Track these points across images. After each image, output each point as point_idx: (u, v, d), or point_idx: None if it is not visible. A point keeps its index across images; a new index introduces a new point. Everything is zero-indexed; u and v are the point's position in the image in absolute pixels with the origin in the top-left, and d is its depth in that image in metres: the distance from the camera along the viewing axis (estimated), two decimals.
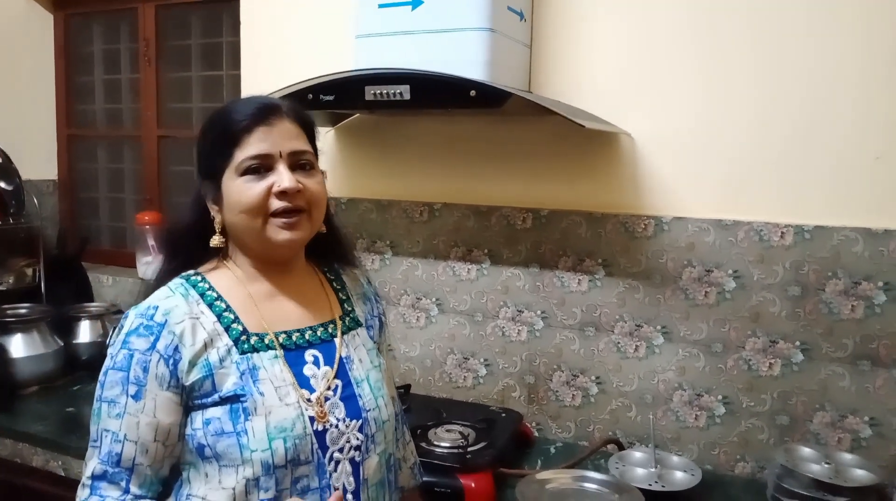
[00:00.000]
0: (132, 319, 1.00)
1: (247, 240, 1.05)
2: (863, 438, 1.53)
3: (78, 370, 2.17)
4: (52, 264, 2.44)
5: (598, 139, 1.72)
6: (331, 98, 1.57)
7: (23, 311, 2.14)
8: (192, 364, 0.98)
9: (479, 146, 1.87)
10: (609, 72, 1.70)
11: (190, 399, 0.99)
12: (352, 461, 1.03)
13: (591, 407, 1.79)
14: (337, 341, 1.11)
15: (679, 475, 1.55)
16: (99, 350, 2.19)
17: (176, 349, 0.98)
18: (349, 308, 1.17)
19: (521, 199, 1.83)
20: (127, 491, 0.98)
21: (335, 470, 1.01)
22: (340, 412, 1.04)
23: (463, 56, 1.54)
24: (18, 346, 2.03)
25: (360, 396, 1.07)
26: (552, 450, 1.77)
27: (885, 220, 1.48)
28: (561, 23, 1.73)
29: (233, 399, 0.98)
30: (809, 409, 1.57)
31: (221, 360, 0.99)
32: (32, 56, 2.74)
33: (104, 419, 0.98)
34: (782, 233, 1.56)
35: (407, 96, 1.50)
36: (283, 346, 1.04)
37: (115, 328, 2.15)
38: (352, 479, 1.03)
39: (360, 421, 1.05)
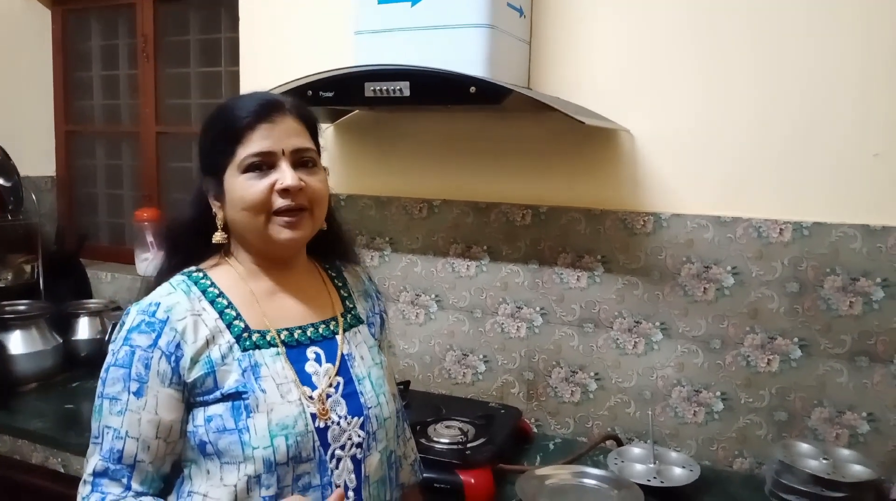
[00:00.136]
0: (134, 315, 1.00)
1: (249, 237, 1.05)
2: (860, 434, 1.54)
3: (77, 367, 2.17)
4: (50, 261, 2.44)
5: (598, 136, 1.72)
6: (330, 95, 1.57)
7: (21, 307, 2.14)
8: (194, 361, 0.98)
9: (479, 143, 1.87)
10: (608, 69, 1.70)
11: (192, 396, 0.99)
12: (353, 458, 1.04)
13: (590, 403, 1.79)
14: (339, 338, 1.11)
15: (678, 470, 1.55)
16: (98, 347, 2.19)
17: (178, 345, 0.98)
18: (351, 305, 1.18)
19: (520, 195, 1.83)
20: (128, 488, 0.98)
21: (337, 468, 1.02)
22: (342, 409, 1.04)
23: (462, 53, 1.54)
24: (17, 343, 2.02)
25: (361, 393, 1.07)
26: (551, 446, 1.78)
27: (884, 217, 1.49)
28: (560, 20, 1.73)
29: (234, 396, 0.98)
30: (807, 405, 1.58)
31: (223, 357, 1.00)
32: (30, 52, 2.74)
33: (105, 415, 0.98)
34: (781, 230, 1.56)
35: (407, 93, 1.50)
36: (284, 343, 1.05)
37: (115, 325, 2.15)
38: (353, 476, 1.03)
39: (362, 418, 1.06)
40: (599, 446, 1.71)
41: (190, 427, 0.99)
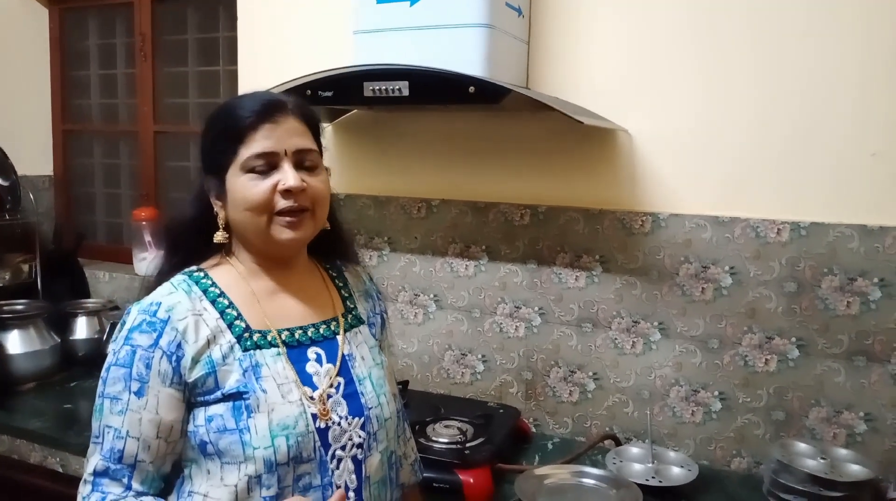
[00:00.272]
0: (135, 315, 1.00)
1: (250, 237, 1.05)
2: (858, 433, 1.54)
3: (75, 367, 2.16)
4: (48, 260, 2.43)
5: (596, 136, 1.72)
6: (329, 94, 1.57)
7: (19, 307, 2.13)
8: (195, 361, 0.98)
9: (477, 143, 1.87)
10: (607, 69, 1.70)
11: (192, 396, 0.99)
12: (354, 458, 1.04)
13: (589, 403, 1.80)
14: (339, 338, 1.11)
15: (676, 470, 1.56)
16: (96, 347, 2.19)
17: (179, 345, 0.98)
18: (351, 306, 1.18)
19: (518, 195, 1.83)
20: (129, 488, 0.98)
21: (337, 468, 1.02)
22: (343, 409, 1.04)
23: (461, 52, 1.54)
24: (15, 342, 2.02)
25: (362, 393, 1.08)
26: (549, 446, 1.78)
27: (881, 217, 1.49)
28: (559, 20, 1.73)
29: (235, 396, 0.98)
30: (805, 404, 1.58)
31: (224, 357, 1.00)
32: (28, 51, 2.73)
33: (106, 415, 0.98)
34: (779, 230, 1.57)
35: (406, 93, 1.50)
36: (285, 343, 1.05)
37: (113, 325, 2.15)
38: (354, 477, 1.03)
39: (363, 419, 1.06)
40: (598, 445, 1.71)
41: (190, 427, 0.99)
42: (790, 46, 1.53)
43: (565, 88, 1.73)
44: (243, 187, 1.01)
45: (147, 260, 2.46)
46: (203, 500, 0.98)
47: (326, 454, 1.01)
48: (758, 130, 1.57)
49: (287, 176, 1.00)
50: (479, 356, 1.92)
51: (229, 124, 1.03)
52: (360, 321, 1.17)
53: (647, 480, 1.49)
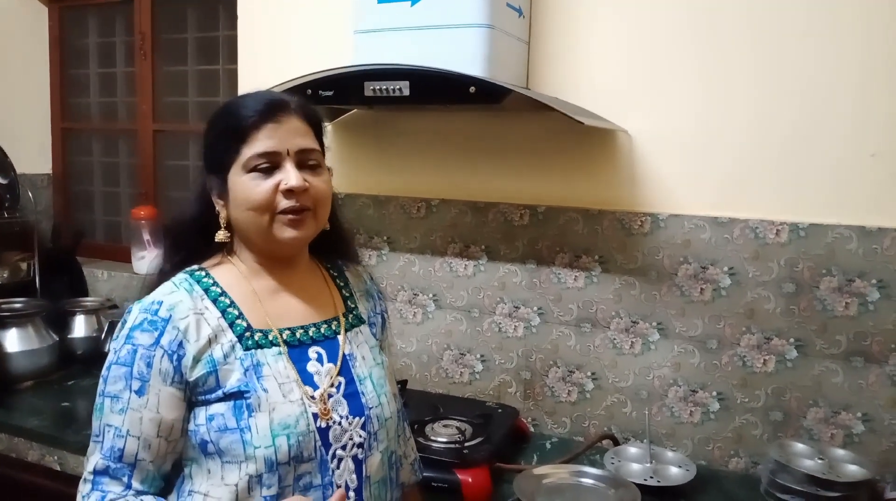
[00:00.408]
0: (136, 314, 1.00)
1: (252, 236, 1.05)
2: (855, 434, 1.55)
3: (73, 365, 2.16)
4: (46, 259, 2.43)
5: (596, 136, 1.73)
6: (330, 94, 1.57)
7: (18, 305, 2.13)
8: (197, 360, 0.98)
9: (477, 142, 1.87)
10: (607, 70, 1.70)
11: (193, 395, 0.99)
12: (354, 458, 1.04)
13: (587, 403, 1.80)
14: (340, 338, 1.11)
15: (674, 470, 1.56)
16: (94, 345, 2.19)
17: (180, 344, 0.98)
18: (352, 305, 1.18)
19: (518, 195, 1.83)
20: (129, 487, 0.98)
21: (338, 468, 1.02)
22: (343, 409, 1.04)
23: (461, 52, 1.54)
24: (13, 340, 2.02)
25: (363, 393, 1.08)
26: (548, 446, 1.78)
27: (880, 218, 1.50)
28: (559, 20, 1.73)
29: (236, 396, 0.98)
30: (803, 405, 1.59)
31: (225, 356, 1.00)
32: (27, 49, 2.73)
33: (107, 414, 0.98)
34: (777, 230, 1.57)
35: (406, 92, 1.50)
36: (286, 343, 1.05)
37: (112, 323, 2.15)
38: (354, 476, 1.04)
39: (363, 419, 1.06)
40: (596, 445, 1.71)
41: (191, 426, 0.99)
42: (790, 47, 1.53)
43: (565, 89, 1.73)
44: (245, 187, 1.01)
45: (146, 259, 2.46)
46: (203, 499, 0.98)
47: (327, 453, 1.01)
48: (757, 130, 1.58)
49: (289, 176, 1.00)
50: (478, 355, 1.92)
51: (232, 123, 1.03)
52: (360, 321, 1.17)
53: (645, 480, 1.50)
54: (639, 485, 1.42)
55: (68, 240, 2.63)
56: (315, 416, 1.01)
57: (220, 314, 1.02)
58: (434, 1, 1.57)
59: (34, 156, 2.75)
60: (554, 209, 1.79)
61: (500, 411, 1.78)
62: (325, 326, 1.11)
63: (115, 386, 0.98)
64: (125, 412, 0.97)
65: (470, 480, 1.45)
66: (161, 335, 0.98)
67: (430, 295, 1.95)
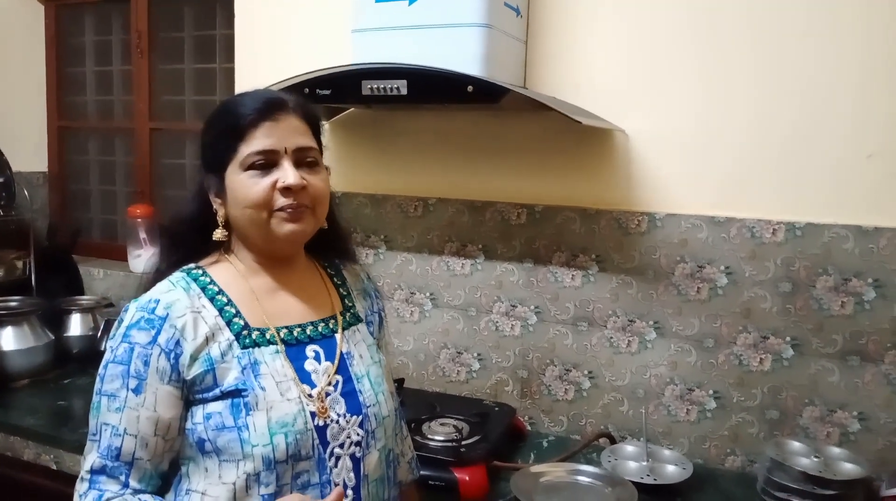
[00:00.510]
0: (133, 312, 1.00)
1: (250, 234, 1.05)
2: (851, 432, 1.55)
3: (69, 364, 2.16)
4: (42, 257, 2.43)
5: (593, 136, 1.73)
6: (328, 92, 1.57)
7: (13, 304, 2.12)
8: (194, 359, 0.98)
9: (474, 142, 1.87)
10: (604, 69, 1.70)
11: (191, 394, 0.99)
12: (352, 456, 1.04)
13: (584, 402, 1.80)
14: (338, 336, 1.11)
15: (670, 468, 1.56)
16: (90, 344, 2.18)
17: (177, 343, 0.98)
18: (350, 304, 1.18)
19: (515, 194, 1.84)
20: (126, 486, 0.98)
21: (336, 466, 1.02)
22: (341, 407, 1.04)
23: (459, 51, 1.55)
24: (9, 339, 2.01)
25: (360, 392, 1.08)
26: (545, 444, 1.78)
27: (876, 217, 1.50)
28: (557, 20, 1.74)
29: (234, 394, 0.98)
30: (799, 404, 1.59)
31: (223, 354, 1.00)
32: (23, 47, 2.72)
33: (104, 412, 0.98)
34: (774, 230, 1.58)
35: (404, 91, 1.50)
36: (284, 341, 1.05)
37: (108, 322, 2.15)
38: (352, 475, 1.04)
39: (361, 417, 1.06)
40: (593, 444, 1.71)
41: (188, 425, 0.99)
42: (789, 47, 1.53)
43: (563, 88, 1.73)
44: (243, 185, 1.01)
45: (142, 257, 2.46)
46: (201, 498, 0.98)
47: (325, 451, 1.01)
48: (756, 130, 1.58)
49: (287, 174, 1.00)
50: (475, 354, 1.92)
51: (230, 122, 1.03)
52: (358, 320, 1.17)
53: (641, 478, 1.50)
54: (635, 484, 1.43)
55: (65, 238, 2.62)
56: (313, 414, 1.01)
57: (217, 313, 1.02)
58: (432, 0, 1.57)
59: (30, 154, 2.74)
60: (551, 209, 1.79)
61: (497, 409, 1.78)
62: (322, 324, 1.10)
63: (112, 385, 0.98)
64: (122, 411, 0.97)
65: (467, 478, 1.46)
66: (158, 333, 0.98)
67: (427, 294, 1.96)
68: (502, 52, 1.63)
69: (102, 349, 1.04)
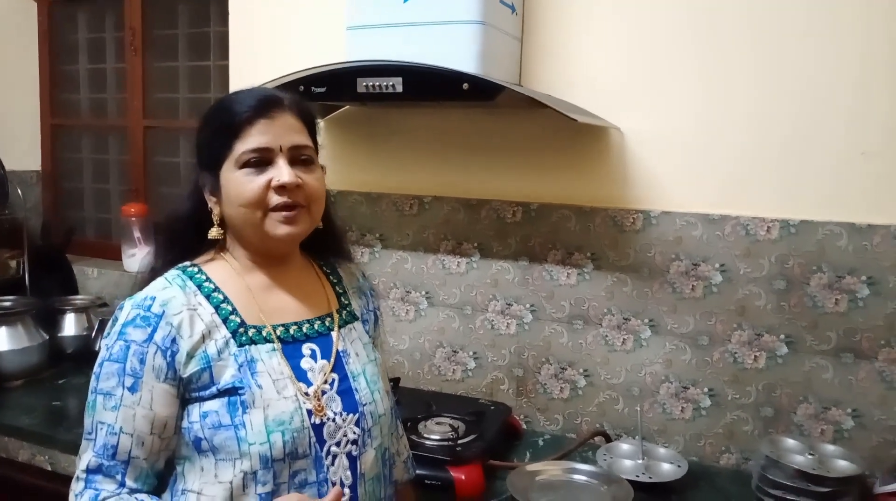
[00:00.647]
0: (128, 309, 1.00)
1: (245, 233, 1.05)
2: (845, 429, 1.56)
3: (63, 364, 2.15)
4: (36, 256, 2.41)
5: (588, 134, 1.73)
6: (322, 90, 1.57)
7: (7, 303, 2.11)
8: (190, 356, 0.98)
9: (469, 139, 1.87)
10: (600, 67, 1.70)
11: (187, 392, 0.99)
12: (349, 455, 1.04)
13: (579, 400, 1.80)
14: (334, 334, 1.11)
15: (666, 466, 1.57)
16: (85, 344, 2.17)
17: (174, 340, 0.97)
18: (346, 302, 1.18)
19: (510, 192, 1.84)
20: (122, 485, 0.97)
21: (332, 464, 1.02)
22: (337, 405, 1.04)
23: (454, 49, 1.54)
24: (3, 339, 1.99)
25: (356, 390, 1.08)
26: (540, 442, 1.79)
27: (870, 215, 1.51)
28: (552, 17, 1.73)
29: (231, 392, 0.98)
30: (794, 401, 1.60)
31: (219, 352, 0.99)
32: (15, 45, 2.71)
33: (99, 411, 0.98)
34: (768, 227, 1.58)
35: (399, 89, 1.50)
36: (280, 339, 1.04)
37: (102, 322, 2.13)
38: (349, 473, 1.03)
39: (357, 415, 1.06)
40: (588, 442, 1.72)
41: (185, 424, 0.99)
42: (787, 46, 1.53)
43: (558, 86, 1.73)
44: (238, 183, 1.01)
45: (136, 256, 2.45)
46: (197, 498, 0.98)
47: (322, 450, 1.01)
48: (752, 129, 1.58)
49: (282, 172, 1.00)
50: (471, 352, 1.92)
51: (225, 119, 1.02)
52: (354, 318, 1.17)
53: (637, 476, 1.51)
54: (631, 482, 1.43)
55: (58, 237, 2.61)
56: (309, 412, 1.01)
57: (213, 310, 1.02)
58: None
59: (23, 152, 2.73)
60: (546, 206, 1.79)
61: (492, 408, 1.78)
62: (318, 322, 1.10)
63: (107, 383, 0.97)
64: (118, 409, 0.96)
65: (463, 477, 1.46)
66: (154, 330, 0.97)
67: (423, 292, 1.95)
68: (498, 49, 1.63)
69: (97, 348, 1.03)
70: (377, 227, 1.99)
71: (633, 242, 1.71)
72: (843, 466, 1.45)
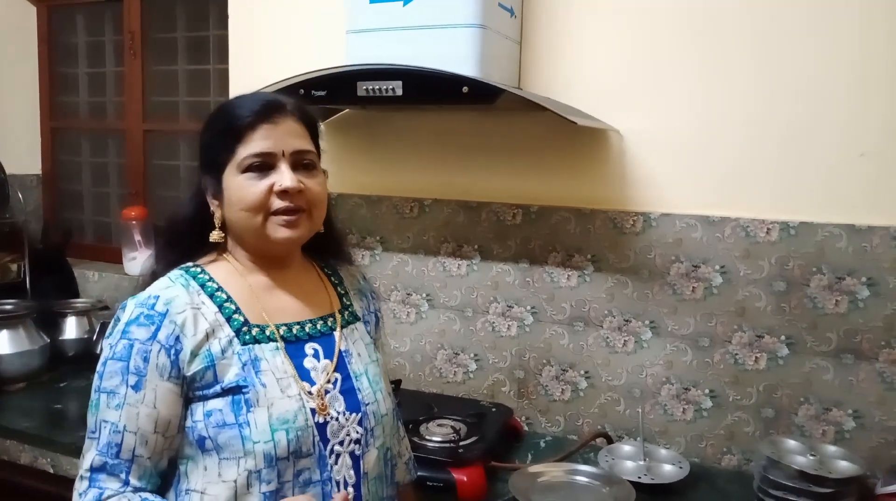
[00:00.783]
0: (132, 309, 1.00)
1: (246, 236, 1.06)
2: (846, 430, 1.56)
3: (64, 366, 2.15)
4: (36, 260, 2.41)
5: (588, 136, 1.73)
6: (323, 93, 1.57)
7: (8, 307, 2.11)
8: (194, 355, 0.98)
9: (469, 142, 1.87)
10: (599, 70, 1.71)
11: (191, 390, 0.99)
12: (352, 454, 1.04)
13: (580, 401, 1.81)
14: (336, 334, 1.11)
15: (667, 467, 1.57)
16: (85, 347, 2.18)
17: (177, 339, 0.98)
18: (347, 302, 1.18)
19: (510, 195, 1.84)
20: (126, 483, 0.97)
21: (336, 463, 1.02)
22: (340, 405, 1.05)
23: (454, 52, 1.55)
24: (4, 342, 2.00)
25: (359, 389, 1.08)
26: (542, 444, 1.79)
27: (869, 216, 1.51)
28: (551, 20, 1.74)
29: (234, 391, 0.98)
30: (794, 402, 1.60)
31: (223, 351, 1.00)
32: (15, 48, 2.71)
33: (103, 409, 0.98)
34: (768, 229, 1.58)
35: (399, 92, 1.50)
36: (283, 338, 1.05)
37: (104, 324, 2.13)
38: (352, 472, 1.04)
39: (360, 415, 1.06)
40: (590, 443, 1.72)
41: (188, 423, 0.99)
42: (785, 46, 1.54)
43: (557, 89, 1.74)
44: (240, 187, 1.01)
45: (137, 259, 2.45)
46: (201, 497, 0.98)
47: (325, 449, 1.01)
48: (751, 130, 1.58)
49: (284, 177, 1.01)
50: (472, 355, 1.92)
51: (228, 123, 1.03)
52: (356, 318, 1.17)
53: (638, 477, 1.51)
54: (633, 483, 1.43)
55: (57, 240, 2.61)
56: (313, 411, 1.01)
57: (216, 309, 1.02)
58: (426, 1, 1.57)
59: (23, 156, 2.73)
60: (546, 209, 1.80)
61: (494, 410, 1.78)
62: (321, 322, 1.11)
63: (111, 382, 0.97)
64: (122, 408, 0.96)
65: (465, 479, 1.46)
66: (158, 329, 0.97)
67: (424, 295, 1.96)
68: (497, 52, 1.63)
69: (98, 351, 1.03)
70: (377, 229, 1.99)
71: (634, 244, 1.71)
72: (844, 467, 1.45)
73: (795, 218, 1.56)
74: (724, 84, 1.60)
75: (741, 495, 1.53)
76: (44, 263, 2.44)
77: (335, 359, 1.08)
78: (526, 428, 1.85)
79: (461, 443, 1.56)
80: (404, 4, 1.59)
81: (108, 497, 0.96)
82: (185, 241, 1.10)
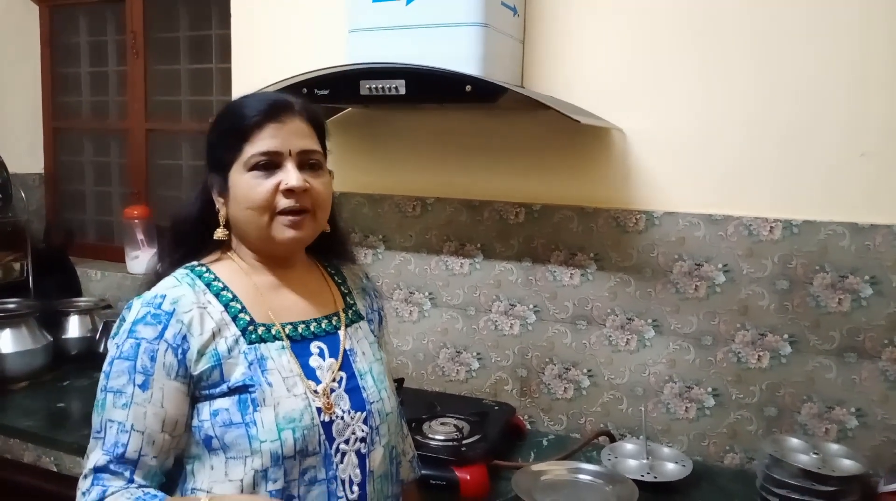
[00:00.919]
0: (138, 307, 1.00)
1: (250, 235, 1.06)
2: (849, 429, 1.56)
3: (67, 365, 2.15)
4: (39, 259, 2.42)
5: (590, 135, 1.73)
6: (325, 92, 1.58)
7: (11, 306, 2.11)
8: (201, 354, 0.98)
9: (472, 141, 1.87)
10: (601, 68, 1.71)
11: (197, 390, 0.99)
12: (357, 452, 1.04)
13: (583, 400, 1.81)
14: (341, 333, 1.11)
15: (670, 466, 1.57)
16: (88, 345, 2.18)
17: (184, 338, 0.98)
18: (351, 301, 1.18)
19: (513, 193, 1.84)
20: (131, 482, 0.97)
21: (342, 462, 1.02)
22: (345, 403, 1.05)
23: (456, 51, 1.55)
24: (7, 341, 2.00)
25: (363, 388, 1.08)
26: (544, 443, 1.79)
27: (872, 214, 1.51)
28: (553, 19, 1.74)
29: (241, 390, 0.98)
30: (797, 400, 1.60)
31: (230, 350, 1.00)
32: (17, 48, 2.71)
33: (109, 409, 0.97)
34: (771, 228, 1.59)
35: (402, 91, 1.51)
36: (289, 337, 1.05)
37: (106, 323, 2.13)
38: (357, 471, 1.04)
39: (365, 413, 1.06)
40: (593, 442, 1.72)
41: (195, 422, 0.99)
42: (786, 46, 1.54)
43: (560, 87, 1.74)
44: (246, 186, 1.02)
45: (140, 259, 2.46)
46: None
47: (331, 447, 1.01)
48: (753, 129, 1.59)
49: (290, 176, 1.01)
50: (475, 353, 1.92)
51: (235, 122, 1.03)
52: (360, 317, 1.18)
53: (641, 476, 1.51)
54: (636, 481, 1.43)
55: (60, 239, 2.61)
56: (318, 410, 1.01)
57: (223, 309, 1.02)
58: (429, 0, 1.57)
59: (25, 155, 2.73)
60: (549, 207, 1.80)
61: (496, 408, 1.78)
62: (325, 321, 1.11)
63: (117, 381, 0.97)
64: (129, 407, 0.96)
65: (468, 477, 1.46)
66: (165, 328, 0.98)
67: (426, 293, 1.96)
68: (499, 51, 1.63)
69: (101, 350, 1.03)
70: (380, 228, 1.99)
71: (636, 242, 1.71)
72: (847, 465, 1.45)
73: (798, 217, 1.56)
74: (724, 84, 1.60)
75: (744, 493, 1.53)
76: (46, 262, 2.44)
77: (340, 358, 1.08)
78: (529, 427, 1.85)
79: (464, 442, 1.56)
80: (407, 3, 1.59)
81: (112, 493, 0.96)
82: (189, 239, 1.10)
